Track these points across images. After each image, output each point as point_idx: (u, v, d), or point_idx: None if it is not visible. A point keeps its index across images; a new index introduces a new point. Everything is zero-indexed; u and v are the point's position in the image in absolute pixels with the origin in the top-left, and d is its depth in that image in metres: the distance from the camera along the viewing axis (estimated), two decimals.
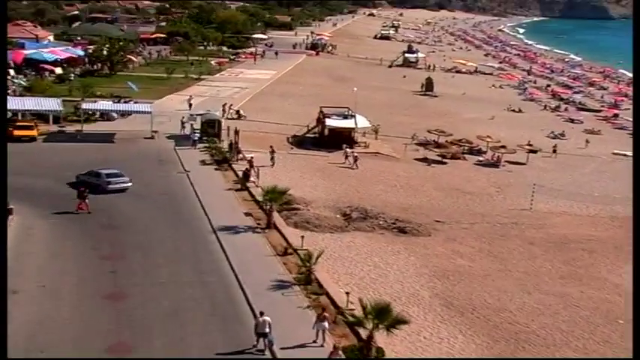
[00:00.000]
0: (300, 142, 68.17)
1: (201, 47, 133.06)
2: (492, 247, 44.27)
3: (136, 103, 72.51)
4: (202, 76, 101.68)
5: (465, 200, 54.97)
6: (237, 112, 75.92)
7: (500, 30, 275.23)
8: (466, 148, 69.96)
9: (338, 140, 66.35)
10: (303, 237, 39.22)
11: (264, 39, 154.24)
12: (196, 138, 62.03)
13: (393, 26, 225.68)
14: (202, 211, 45.05)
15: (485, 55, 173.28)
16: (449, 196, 55.47)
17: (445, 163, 66.29)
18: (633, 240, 40.74)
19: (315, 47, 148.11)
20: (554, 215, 52.91)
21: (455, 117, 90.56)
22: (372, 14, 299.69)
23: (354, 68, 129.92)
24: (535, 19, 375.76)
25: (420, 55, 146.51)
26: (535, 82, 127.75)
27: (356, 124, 67.71)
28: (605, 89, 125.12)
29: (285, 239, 40.17)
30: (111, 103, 71.70)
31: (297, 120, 76.11)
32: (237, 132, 59.06)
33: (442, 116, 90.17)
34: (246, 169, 53.00)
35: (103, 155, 56.55)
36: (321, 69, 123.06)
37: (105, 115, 69.65)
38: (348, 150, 62.45)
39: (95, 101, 72.72)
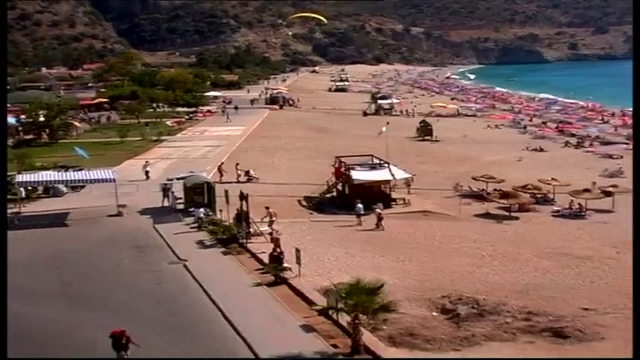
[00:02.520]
0: (318, 204, 49.80)
1: (151, 109, 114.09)
2: None
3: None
4: (162, 137, 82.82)
5: (589, 270, 37.12)
6: (247, 172, 58.05)
7: (447, 77, 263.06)
8: (537, 195, 52.47)
9: (367, 198, 48.33)
10: None
11: (219, 96, 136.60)
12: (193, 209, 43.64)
13: (341, 80, 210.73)
14: (232, 330, 26.38)
15: (452, 99, 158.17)
16: (564, 266, 37.49)
17: (517, 217, 48.67)
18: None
19: (276, 101, 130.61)
20: None
21: (476, 161, 73.60)
22: (314, 71, 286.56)
23: (327, 119, 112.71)
24: (472, 67, 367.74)
25: (394, 100, 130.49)
26: (531, 120, 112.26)
27: (392, 175, 49.62)
28: (606, 122, 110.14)
29: None
30: (57, 173, 51.91)
31: (299, 177, 59.16)
32: (245, 197, 40.26)
33: (462, 161, 73.31)
34: (275, 249, 34.33)
35: (53, 246, 37.35)
36: (294, 121, 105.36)
37: (50, 190, 50.45)
38: (377, 210, 44.41)
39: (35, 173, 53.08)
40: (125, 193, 48.58)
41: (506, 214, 48.98)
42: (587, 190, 50.46)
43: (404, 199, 50.69)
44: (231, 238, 39.30)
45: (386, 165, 50.90)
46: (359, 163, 51.78)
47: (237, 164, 59.44)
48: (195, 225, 42.51)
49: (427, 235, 43.02)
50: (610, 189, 52.33)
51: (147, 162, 60.98)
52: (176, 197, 46.97)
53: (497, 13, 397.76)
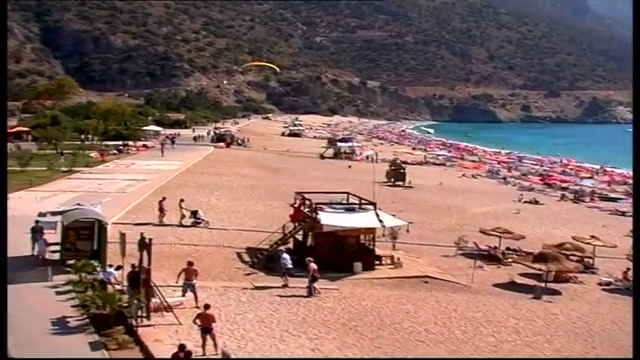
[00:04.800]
0: (268, 260, 32.93)
1: (79, 141, 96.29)
2: None
3: None
4: (76, 169, 65.46)
5: None
6: (195, 213, 41.90)
7: (403, 131, 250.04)
8: (584, 260, 36.54)
9: (338, 252, 32.12)
10: None
11: (159, 131, 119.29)
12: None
13: (295, 125, 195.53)
14: None
15: (413, 149, 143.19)
16: None
17: (557, 291, 32.56)
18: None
19: (223, 139, 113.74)
20: None
21: (463, 212, 57.96)
22: (267, 117, 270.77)
23: (281, 160, 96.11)
24: (426, 122, 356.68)
25: (355, 144, 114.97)
26: (510, 171, 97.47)
27: (380, 221, 33.11)
28: (590, 177, 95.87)
29: None
30: None
31: (243, 222, 42.12)
32: (146, 245, 23.38)
33: (446, 211, 57.65)
34: (180, 350, 17.63)
35: None
36: (242, 160, 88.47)
37: None
38: (312, 266, 28.60)
39: None
40: None
41: (540, 284, 32.79)
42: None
43: (392, 258, 34.21)
44: (115, 315, 22.37)
45: (370, 207, 34.51)
46: (329, 202, 35.36)
47: (182, 201, 42.70)
48: (71, 289, 25.59)
49: (437, 317, 26.61)
50: None
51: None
52: (47, 242, 29.81)
53: (453, 72, 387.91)
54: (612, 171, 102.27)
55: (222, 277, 30.14)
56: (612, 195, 76.44)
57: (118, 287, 25.42)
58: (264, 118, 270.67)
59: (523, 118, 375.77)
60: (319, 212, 33.18)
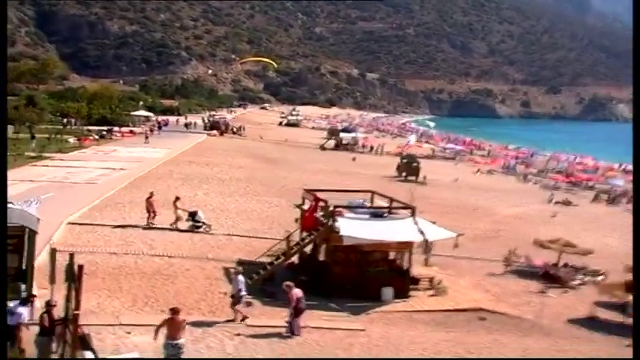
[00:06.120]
0: (266, 281, 24.18)
1: (60, 125, 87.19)
2: None
3: None
4: (47, 154, 56.61)
5: None
6: (193, 215, 33.40)
7: (404, 124, 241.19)
8: None
9: (362, 272, 23.39)
10: None
11: (149, 117, 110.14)
12: None
13: (293, 115, 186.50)
14: None
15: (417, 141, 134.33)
16: None
17: None
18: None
19: (217, 127, 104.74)
20: None
21: (494, 214, 49.28)
22: (264, 107, 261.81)
23: (279, 150, 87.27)
24: (425, 116, 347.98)
25: (359, 134, 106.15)
26: (527, 168, 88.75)
27: (422, 233, 24.24)
28: (614, 177, 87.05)
29: None
30: None
31: (232, 222, 33.65)
32: (76, 276, 14.44)
33: (472, 213, 49.07)
34: None
35: None
36: (236, 149, 79.50)
37: None
38: (294, 292, 21.59)
39: None
40: None
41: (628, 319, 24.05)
42: None
43: (432, 280, 25.41)
44: None
45: (407, 212, 25.67)
46: (349, 205, 26.45)
47: (177, 199, 33.74)
48: None
49: None
50: None
51: None
52: None
53: (453, 66, 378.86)
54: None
55: (201, 308, 21.37)
56: None
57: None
58: (261, 108, 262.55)
59: (522, 113, 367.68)
60: (337, 217, 24.31)
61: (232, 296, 21.02)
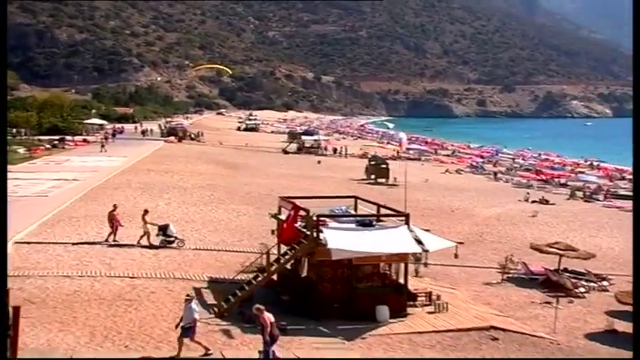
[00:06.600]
0: (240, 307, 21.01)
1: (10, 136, 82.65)
2: None
3: None
4: None
5: None
6: (164, 229, 30.27)
7: (362, 125, 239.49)
8: None
9: (352, 289, 20.44)
10: None
11: (103, 125, 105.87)
12: None
13: (250, 120, 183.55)
14: None
15: (386, 143, 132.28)
16: None
17: None
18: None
19: (174, 133, 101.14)
20: None
21: (473, 216, 46.90)
22: (220, 113, 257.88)
23: (240, 155, 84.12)
24: (382, 118, 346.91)
25: (321, 137, 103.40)
26: (495, 166, 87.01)
27: (421, 243, 21.39)
28: (582, 172, 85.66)
29: None
30: None
31: (199, 234, 30.61)
32: (11, 317, 11.22)
33: (451, 215, 46.79)
34: None
35: None
36: (196, 155, 76.06)
37: None
38: (265, 316, 17.18)
39: None
40: None
41: None
42: None
43: (430, 295, 22.57)
44: None
45: (400, 221, 22.81)
46: (331, 214, 23.47)
47: (146, 212, 30.27)
48: None
49: None
50: None
51: None
52: None
53: (407, 67, 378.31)
54: (605, 165, 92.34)
55: (171, 341, 18.15)
56: (622, 192, 66.15)
57: None
58: (217, 114, 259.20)
59: (479, 112, 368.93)
60: (322, 228, 21.34)
61: (182, 327, 17.88)
